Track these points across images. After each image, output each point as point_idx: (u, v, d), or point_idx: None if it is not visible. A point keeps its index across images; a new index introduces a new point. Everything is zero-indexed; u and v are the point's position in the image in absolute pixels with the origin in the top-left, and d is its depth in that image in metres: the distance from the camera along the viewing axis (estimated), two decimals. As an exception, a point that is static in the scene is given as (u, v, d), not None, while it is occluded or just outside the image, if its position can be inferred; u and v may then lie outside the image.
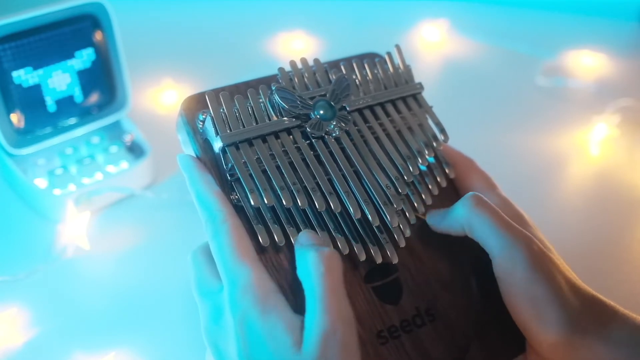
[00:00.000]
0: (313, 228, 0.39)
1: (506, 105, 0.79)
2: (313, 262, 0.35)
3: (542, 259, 0.36)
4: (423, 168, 0.44)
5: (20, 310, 0.51)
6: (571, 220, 0.62)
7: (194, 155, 0.41)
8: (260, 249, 0.38)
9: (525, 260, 0.36)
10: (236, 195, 0.39)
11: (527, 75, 0.84)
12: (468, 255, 0.41)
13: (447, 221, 0.40)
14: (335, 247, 0.39)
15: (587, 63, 0.87)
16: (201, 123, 0.41)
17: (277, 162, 0.39)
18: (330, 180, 0.39)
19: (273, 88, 0.41)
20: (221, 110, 0.40)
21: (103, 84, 0.62)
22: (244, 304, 0.35)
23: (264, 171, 0.39)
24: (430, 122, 0.45)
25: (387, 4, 1.01)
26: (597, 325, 0.35)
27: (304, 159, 0.40)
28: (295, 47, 0.89)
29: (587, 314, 0.36)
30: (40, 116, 0.59)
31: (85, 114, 0.62)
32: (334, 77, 0.43)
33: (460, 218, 0.39)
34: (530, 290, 0.36)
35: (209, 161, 0.40)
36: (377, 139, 0.42)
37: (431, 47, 0.92)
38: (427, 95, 0.46)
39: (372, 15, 0.99)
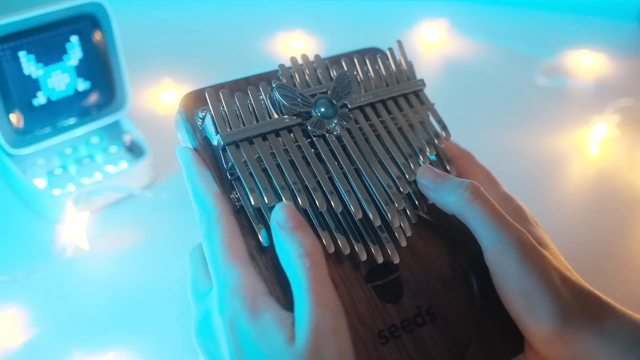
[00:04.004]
0: (314, 227, 0.39)
1: (506, 105, 0.79)
2: (297, 255, 0.34)
3: (533, 253, 0.36)
4: (424, 166, 0.43)
5: (20, 310, 0.51)
6: (571, 220, 0.62)
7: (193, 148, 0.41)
8: (260, 249, 0.38)
9: (516, 254, 0.36)
10: (236, 194, 0.39)
11: (527, 75, 0.84)
12: (469, 254, 0.41)
13: (439, 199, 0.40)
14: (337, 246, 0.39)
15: (587, 63, 0.86)
16: (200, 120, 0.40)
17: (277, 160, 0.39)
18: (331, 179, 0.39)
19: (274, 85, 0.40)
20: (221, 107, 0.39)
21: (102, 83, 0.62)
22: (232, 306, 0.35)
23: (265, 170, 0.38)
24: (432, 119, 0.45)
25: (386, 3, 1.01)
26: (592, 320, 0.35)
27: (304, 158, 0.39)
28: (295, 47, 0.89)
29: (581, 308, 0.36)
30: (40, 116, 0.59)
31: (85, 114, 0.62)
32: (335, 74, 0.43)
33: (455, 205, 0.38)
34: (521, 283, 0.36)
35: (209, 159, 0.40)
36: (378, 136, 0.42)
37: (431, 47, 0.91)
38: (427, 95, 0.46)
39: (372, 15, 0.99)
